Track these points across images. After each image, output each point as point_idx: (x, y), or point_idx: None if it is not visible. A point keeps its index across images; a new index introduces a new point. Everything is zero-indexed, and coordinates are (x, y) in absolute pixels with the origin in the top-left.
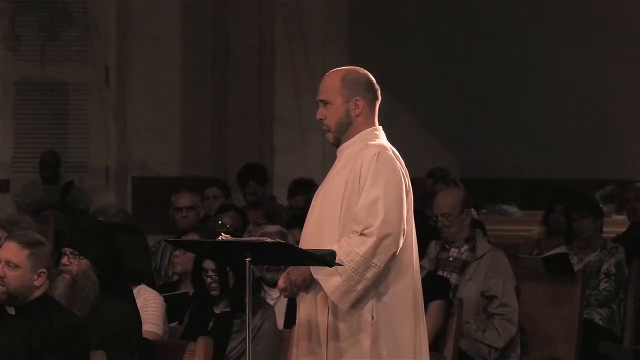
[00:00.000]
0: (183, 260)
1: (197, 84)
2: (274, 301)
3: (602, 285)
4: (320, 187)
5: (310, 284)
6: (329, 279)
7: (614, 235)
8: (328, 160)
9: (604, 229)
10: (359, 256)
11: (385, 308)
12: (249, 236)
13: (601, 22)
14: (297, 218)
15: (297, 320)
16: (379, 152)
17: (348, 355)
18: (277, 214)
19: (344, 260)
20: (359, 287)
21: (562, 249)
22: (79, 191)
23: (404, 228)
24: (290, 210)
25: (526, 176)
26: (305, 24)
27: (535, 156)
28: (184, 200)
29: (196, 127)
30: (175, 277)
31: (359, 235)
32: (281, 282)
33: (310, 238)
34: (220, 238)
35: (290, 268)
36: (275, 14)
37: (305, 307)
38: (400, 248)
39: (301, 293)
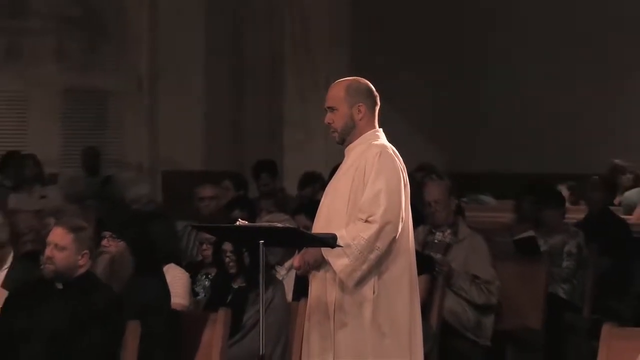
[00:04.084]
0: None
1: (217, 91)
2: (283, 277)
3: (565, 264)
4: (330, 182)
5: (321, 264)
6: (337, 260)
7: (575, 221)
8: (330, 156)
9: (567, 216)
10: (364, 240)
11: (384, 285)
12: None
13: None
14: (303, 206)
15: (309, 296)
16: (381, 152)
17: (351, 326)
18: (286, 203)
19: (351, 243)
20: (364, 267)
21: (530, 233)
22: (116, 183)
23: (402, 216)
24: (299, 199)
25: (500, 170)
26: (311, 38)
27: (509, 153)
28: (206, 191)
29: (217, 127)
30: (200, 257)
31: (364, 222)
32: (296, 262)
33: (321, 225)
34: (237, 224)
35: (304, 250)
36: (285, 30)
37: (316, 284)
38: (399, 233)
39: (313, 271)
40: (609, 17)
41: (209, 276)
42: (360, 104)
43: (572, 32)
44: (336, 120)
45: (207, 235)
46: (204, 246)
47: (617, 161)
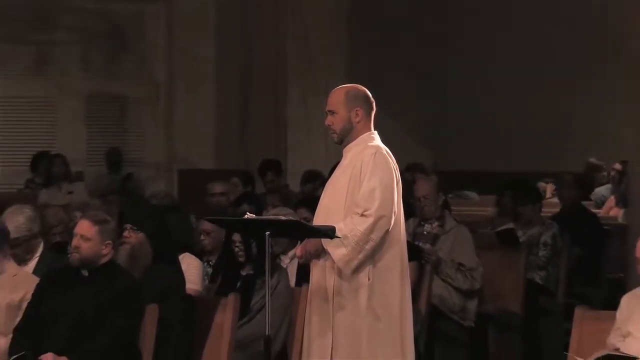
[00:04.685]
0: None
1: (226, 96)
2: (286, 265)
3: (541, 253)
4: (329, 179)
5: (321, 253)
6: (336, 250)
7: (550, 214)
8: (329, 156)
9: (543, 209)
10: (360, 232)
11: (378, 272)
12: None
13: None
14: (305, 200)
15: (310, 282)
16: (376, 152)
17: (349, 309)
18: (289, 198)
19: (348, 235)
20: (360, 256)
21: (510, 225)
22: (136, 180)
23: (395, 210)
24: (301, 194)
25: (483, 169)
26: (312, 49)
27: (490, 153)
28: (217, 187)
29: (226, 129)
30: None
31: (360, 216)
32: (299, 251)
33: (321, 218)
34: (245, 216)
35: (305, 240)
36: (287, 40)
37: (316, 271)
38: (392, 226)
39: (314, 260)
40: (578, 18)
41: (210, 263)
42: (358, 108)
43: (549, 34)
44: (336, 122)
45: (205, 227)
46: (202, 236)
47: (592, 160)
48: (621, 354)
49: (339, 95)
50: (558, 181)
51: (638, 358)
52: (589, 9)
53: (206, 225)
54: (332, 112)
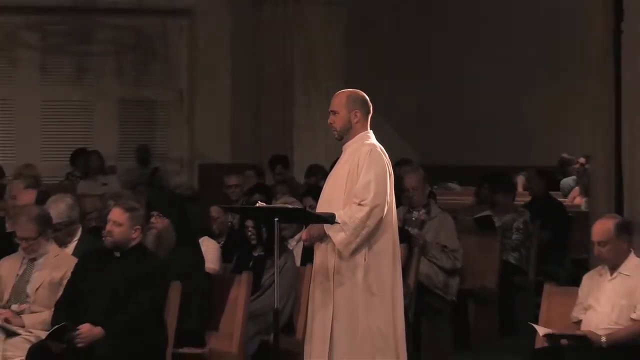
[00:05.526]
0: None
1: (241, 101)
2: (293, 247)
3: (514, 237)
4: (330, 173)
5: (323, 237)
6: (336, 234)
7: (522, 203)
8: (330, 152)
9: (516, 199)
10: (358, 219)
11: (373, 254)
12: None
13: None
14: (309, 191)
15: (314, 262)
16: (371, 149)
17: (347, 285)
18: (296, 189)
19: (347, 221)
20: (357, 240)
21: (487, 213)
22: (162, 173)
23: (388, 200)
24: (306, 186)
25: (464, 163)
26: (315, 58)
27: (471, 149)
28: (232, 180)
29: (241, 129)
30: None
31: (358, 205)
32: (304, 235)
33: (324, 207)
34: (257, 205)
35: (310, 226)
36: (294, 52)
37: (319, 253)
38: (385, 214)
39: (317, 243)
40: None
41: (220, 244)
42: (357, 110)
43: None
44: (337, 121)
45: (213, 213)
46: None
47: (564, 155)
48: (569, 334)
49: (341, 98)
50: (528, 175)
51: (584, 336)
52: (557, 23)
53: (214, 212)
54: (334, 112)
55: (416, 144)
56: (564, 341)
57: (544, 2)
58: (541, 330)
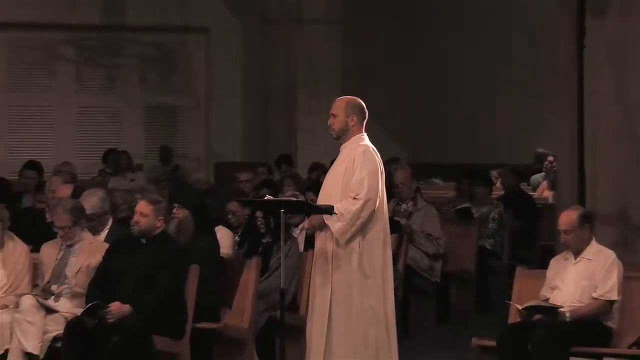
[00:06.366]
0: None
1: (251, 106)
2: (297, 235)
3: (490, 226)
4: (329, 171)
5: (323, 226)
6: (334, 224)
7: (497, 196)
8: (329, 152)
9: (493, 193)
10: (353, 211)
11: (366, 241)
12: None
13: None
14: (311, 186)
15: (315, 248)
16: (365, 150)
17: (343, 268)
18: (299, 184)
19: (344, 213)
20: (353, 229)
21: (466, 205)
22: (182, 170)
23: (379, 195)
24: (308, 181)
25: (446, 161)
26: (315, 70)
27: (452, 147)
28: (244, 176)
29: (251, 132)
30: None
31: (353, 199)
32: (306, 225)
33: (323, 200)
34: (265, 198)
35: (311, 216)
36: (297, 64)
37: (320, 240)
38: (377, 206)
39: (317, 231)
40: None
41: (237, 234)
42: (354, 115)
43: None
44: (335, 123)
45: (232, 207)
46: (229, 215)
47: (539, 150)
48: (543, 304)
49: (341, 103)
50: (502, 171)
51: (557, 307)
52: (525, 36)
53: (232, 206)
54: (334, 115)
55: (404, 144)
56: (537, 317)
57: (517, 18)
58: (519, 306)
